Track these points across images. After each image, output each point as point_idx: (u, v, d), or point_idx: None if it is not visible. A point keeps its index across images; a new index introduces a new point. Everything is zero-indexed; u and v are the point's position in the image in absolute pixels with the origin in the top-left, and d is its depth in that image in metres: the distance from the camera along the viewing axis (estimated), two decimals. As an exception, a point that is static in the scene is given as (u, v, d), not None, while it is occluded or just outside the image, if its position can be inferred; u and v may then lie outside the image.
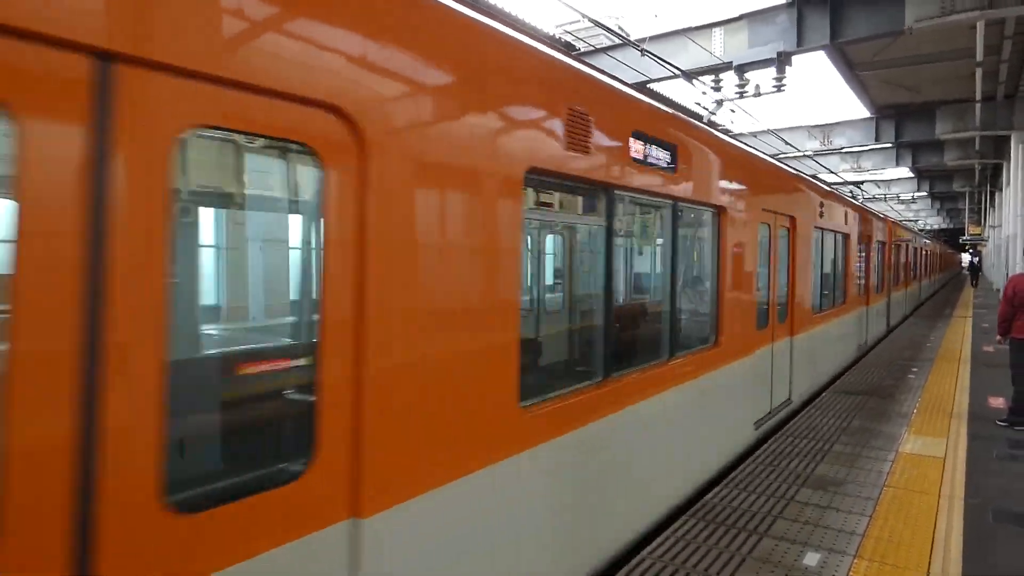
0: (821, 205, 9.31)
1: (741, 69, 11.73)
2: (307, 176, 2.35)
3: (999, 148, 26.20)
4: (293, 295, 3.79)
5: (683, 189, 4.94)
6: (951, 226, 62.96)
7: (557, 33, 13.46)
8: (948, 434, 7.05)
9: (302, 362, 2.60)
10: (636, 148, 4.20)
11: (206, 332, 3.22)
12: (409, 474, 2.48)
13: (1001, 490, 5.42)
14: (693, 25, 12.49)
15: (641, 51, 9.22)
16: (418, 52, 2.52)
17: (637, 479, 4.45)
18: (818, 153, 23.70)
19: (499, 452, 2.94)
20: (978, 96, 18.19)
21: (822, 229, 9.47)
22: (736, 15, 12.25)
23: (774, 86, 11.64)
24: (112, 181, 1.66)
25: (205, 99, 1.86)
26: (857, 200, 17.94)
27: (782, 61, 11.44)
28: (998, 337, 7.66)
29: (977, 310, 22.41)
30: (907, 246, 19.84)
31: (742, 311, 6.09)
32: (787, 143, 20.49)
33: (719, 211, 5.71)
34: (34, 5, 1.52)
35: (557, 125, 3.30)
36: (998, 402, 8.40)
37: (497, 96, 2.94)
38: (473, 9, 2.91)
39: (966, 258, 74.74)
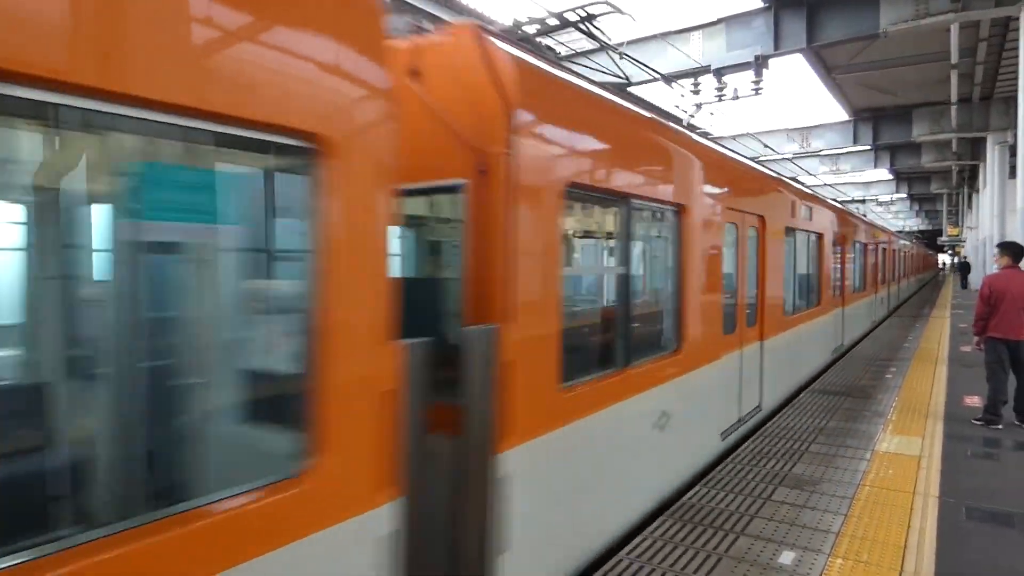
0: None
1: (719, 72, 11.82)
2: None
3: (975, 150, 26.63)
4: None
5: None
6: (930, 228, 63.92)
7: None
8: (924, 433, 7.12)
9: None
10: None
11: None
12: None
13: (975, 488, 5.47)
14: (672, 29, 12.57)
15: (620, 55, 9.25)
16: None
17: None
18: (797, 156, 23.94)
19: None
20: (953, 98, 18.48)
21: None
22: (714, 19, 12.34)
23: (752, 89, 11.73)
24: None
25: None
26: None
27: (759, 64, 11.54)
28: (975, 339, 7.73)
29: (955, 310, 22.72)
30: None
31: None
32: (766, 146, 20.68)
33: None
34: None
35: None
36: (974, 401, 8.49)
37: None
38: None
39: (943, 259, 75.93)
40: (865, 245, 15.80)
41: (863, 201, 36.22)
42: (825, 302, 11.05)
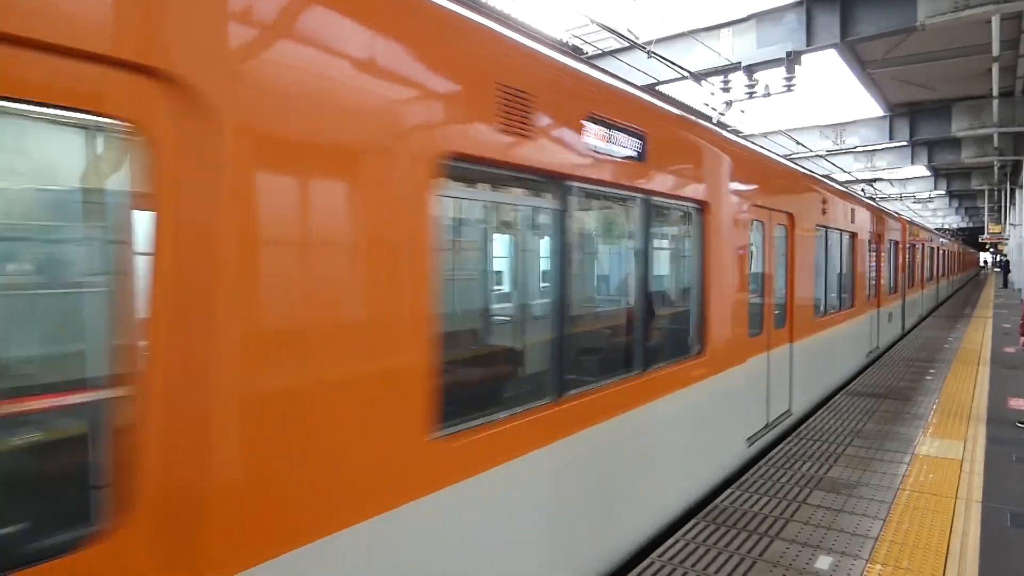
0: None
1: (750, 69, 11.65)
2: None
3: (1019, 144, 25.74)
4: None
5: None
6: (970, 225, 62.02)
7: (566, 37, 13.47)
8: (966, 436, 6.92)
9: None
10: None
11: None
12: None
13: (1020, 494, 5.30)
14: (701, 26, 12.42)
15: (648, 53, 9.19)
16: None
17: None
18: (831, 152, 23.45)
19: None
20: (995, 92, 17.88)
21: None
22: (744, 15, 12.16)
23: (784, 86, 11.54)
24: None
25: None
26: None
27: (791, 61, 11.34)
28: (1022, 339, 7.48)
29: (998, 310, 22.02)
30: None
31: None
32: (799, 143, 20.30)
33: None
34: None
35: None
36: (1018, 404, 8.23)
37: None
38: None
39: (985, 257, 73.69)
40: (853, 238, 10.44)
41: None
42: (735, 347, 5.80)
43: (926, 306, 21.40)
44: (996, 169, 31.34)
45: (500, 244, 5.16)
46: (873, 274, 12.26)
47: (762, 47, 11.82)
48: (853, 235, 10.53)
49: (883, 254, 13.00)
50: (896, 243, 14.95)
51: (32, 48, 1.57)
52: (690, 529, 4.61)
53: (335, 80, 2.26)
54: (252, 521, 2.02)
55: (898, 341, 14.95)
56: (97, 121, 1.79)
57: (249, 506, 2.01)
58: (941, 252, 26.91)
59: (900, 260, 15.42)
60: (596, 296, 5.70)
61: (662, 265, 5.47)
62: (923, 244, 20.36)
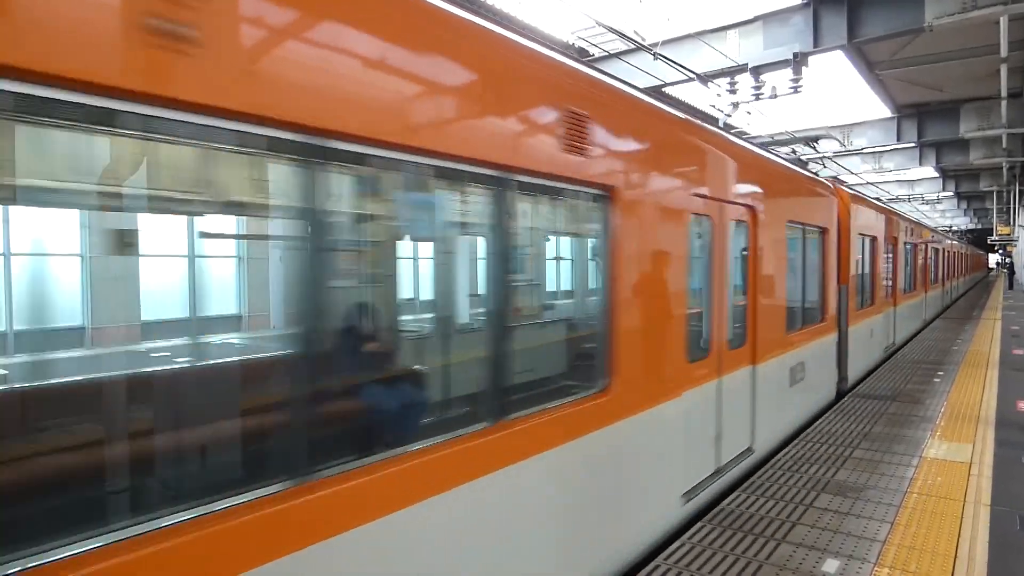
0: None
1: (757, 71, 11.63)
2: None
3: (1027, 146, 25.58)
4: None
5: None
6: (979, 226, 61.68)
7: (572, 40, 13.48)
8: (974, 439, 6.89)
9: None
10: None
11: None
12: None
13: (1029, 496, 5.27)
14: (707, 28, 12.40)
15: (654, 55, 9.19)
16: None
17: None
18: (837, 154, 23.37)
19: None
20: (1003, 93, 17.78)
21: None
22: (751, 17, 12.14)
23: (791, 87, 11.51)
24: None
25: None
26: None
27: (798, 62, 11.31)
28: None
29: (1006, 312, 21.87)
30: None
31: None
32: (806, 144, 20.20)
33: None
34: None
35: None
36: (1027, 406, 8.18)
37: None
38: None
39: (994, 259, 73.27)
40: (678, 218, 4.79)
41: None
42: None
43: (902, 332, 15.06)
44: (1005, 170, 31.14)
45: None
46: (763, 294, 6.45)
47: (769, 48, 11.79)
48: (680, 213, 4.87)
49: (777, 252, 6.81)
50: (823, 231, 8.62)
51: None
52: (696, 532, 4.61)
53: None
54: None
55: (837, 402, 8.99)
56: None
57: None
58: (933, 251, 20.29)
59: (833, 261, 9.05)
60: None
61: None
62: (895, 237, 13.82)
